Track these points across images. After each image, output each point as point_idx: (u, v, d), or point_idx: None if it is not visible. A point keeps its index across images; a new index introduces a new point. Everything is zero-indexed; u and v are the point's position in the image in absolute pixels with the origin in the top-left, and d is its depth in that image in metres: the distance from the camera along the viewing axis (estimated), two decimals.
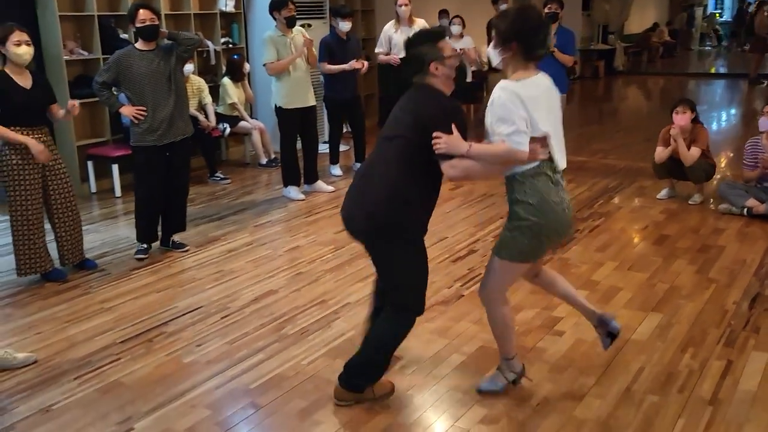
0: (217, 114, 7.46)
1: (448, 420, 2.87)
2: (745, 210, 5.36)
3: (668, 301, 3.94)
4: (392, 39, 6.98)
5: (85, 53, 6.54)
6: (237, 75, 7.39)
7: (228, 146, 8.09)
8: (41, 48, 6.25)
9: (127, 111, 4.61)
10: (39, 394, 3.12)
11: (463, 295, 4.09)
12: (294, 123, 6.08)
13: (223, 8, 7.72)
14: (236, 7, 7.89)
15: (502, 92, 2.68)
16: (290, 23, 5.91)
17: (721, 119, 10.63)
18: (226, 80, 7.42)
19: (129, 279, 4.47)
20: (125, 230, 5.38)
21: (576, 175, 6.77)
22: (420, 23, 6.88)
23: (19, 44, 4.11)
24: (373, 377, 2.97)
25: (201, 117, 6.86)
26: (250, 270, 4.57)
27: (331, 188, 6.50)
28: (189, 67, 6.77)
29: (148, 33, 4.54)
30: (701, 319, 3.71)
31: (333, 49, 6.62)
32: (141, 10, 4.51)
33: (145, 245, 4.89)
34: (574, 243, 4.92)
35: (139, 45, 4.59)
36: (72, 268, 4.60)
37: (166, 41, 4.69)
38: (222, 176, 7.05)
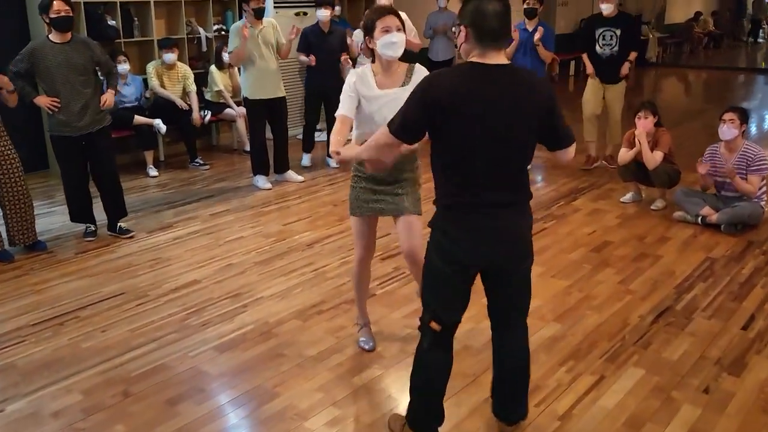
0: (205, 100, 7.67)
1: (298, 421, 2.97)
2: (699, 218, 5.25)
3: (574, 311, 3.93)
4: None
5: None
6: (223, 62, 7.54)
7: (219, 132, 8.28)
8: (30, 35, 6.51)
9: (42, 101, 4.76)
10: None
11: (375, 294, 4.15)
12: (260, 113, 6.21)
13: None
14: None
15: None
16: (258, 14, 5.98)
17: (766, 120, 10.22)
18: (213, 68, 7.58)
19: (70, 262, 4.69)
20: None
21: (551, 173, 6.71)
22: (402, 16, 6.86)
23: None
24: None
25: (179, 102, 7.02)
26: (186, 258, 4.74)
27: (300, 178, 6.61)
28: (171, 56, 6.95)
29: (62, 24, 4.65)
30: (598, 332, 3.69)
31: (310, 40, 6.70)
32: (55, 2, 4.60)
33: (91, 227, 5.11)
34: None
35: (53, 37, 4.71)
36: (23, 249, 4.84)
37: (81, 36, 4.90)
38: (201, 162, 7.24)
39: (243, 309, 3.99)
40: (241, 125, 7.67)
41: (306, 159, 7.13)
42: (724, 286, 4.25)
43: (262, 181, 6.37)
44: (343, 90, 3.15)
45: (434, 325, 2.57)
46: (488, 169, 2.37)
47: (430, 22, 8.60)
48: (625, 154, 5.68)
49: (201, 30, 7.86)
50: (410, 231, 3.22)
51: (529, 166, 2.51)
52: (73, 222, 5.15)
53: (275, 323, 3.81)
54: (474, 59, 2.36)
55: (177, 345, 3.58)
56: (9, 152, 4.63)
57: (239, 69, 6.62)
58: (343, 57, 6.75)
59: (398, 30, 3.05)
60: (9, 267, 4.61)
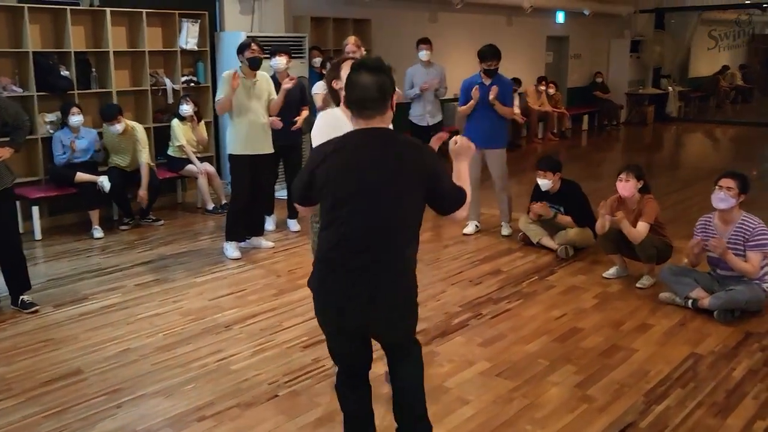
0: (167, 156, 7.20)
1: None
2: (690, 302, 4.47)
3: (511, 426, 3.17)
4: None
5: (20, 90, 6.36)
6: (185, 116, 7.07)
7: (186, 189, 7.76)
8: None
9: None
10: None
11: (276, 396, 3.46)
12: (245, 171, 5.53)
13: (184, 46, 7.44)
14: (200, 45, 7.59)
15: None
16: (252, 64, 5.43)
17: None
18: (175, 121, 7.12)
19: None
20: None
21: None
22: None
23: None
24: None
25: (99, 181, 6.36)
26: (82, 341, 4.11)
27: (270, 244, 5.97)
28: (117, 127, 6.40)
29: None
30: None
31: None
32: None
33: None
34: (463, 331, 4.20)
35: None
36: None
37: None
38: (154, 218, 6.71)
39: (114, 411, 3.32)
40: (204, 183, 7.14)
41: (269, 222, 6.49)
42: (707, 394, 3.45)
43: (231, 249, 5.66)
44: (312, 135, 3.21)
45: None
46: (355, 231, 2.38)
47: (411, 78, 7.65)
48: (601, 222, 4.96)
49: (168, 81, 7.42)
50: None
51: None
52: None
53: None
54: (353, 124, 2.47)
55: None
56: None
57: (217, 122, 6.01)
58: (302, 114, 6.19)
59: None
60: None
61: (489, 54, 5.82)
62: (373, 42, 9.37)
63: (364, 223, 2.36)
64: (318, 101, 6.59)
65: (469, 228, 6.34)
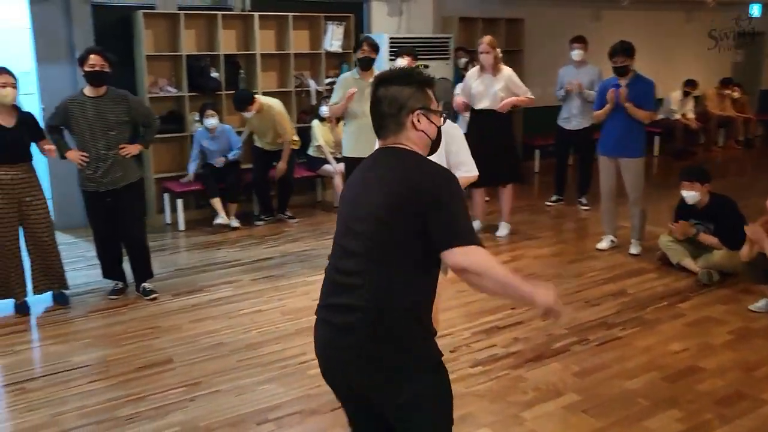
0: (307, 155, 7.39)
1: None
2: None
3: None
4: (472, 88, 6.19)
5: (174, 90, 6.85)
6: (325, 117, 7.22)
7: (325, 188, 7.93)
8: (136, 85, 6.69)
9: (72, 156, 4.62)
10: None
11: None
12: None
13: (328, 48, 7.59)
14: (345, 47, 7.70)
15: None
16: (362, 64, 5.46)
17: None
18: (315, 122, 7.28)
19: (71, 322, 4.48)
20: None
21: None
22: (507, 72, 6.03)
23: (4, 86, 4.34)
24: None
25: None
26: (183, 331, 4.30)
27: None
28: (248, 114, 6.63)
29: (94, 78, 4.50)
30: None
31: None
32: (91, 55, 4.49)
33: (119, 284, 4.92)
34: (561, 357, 3.84)
35: (87, 90, 4.58)
36: (50, 301, 4.74)
37: (119, 90, 4.68)
38: (290, 215, 6.93)
39: (186, 404, 3.42)
40: (339, 182, 7.23)
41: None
42: None
43: None
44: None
45: None
46: (337, 262, 2.05)
47: (561, 79, 7.26)
48: (746, 247, 4.31)
49: (312, 82, 7.62)
50: None
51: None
52: (105, 278, 4.97)
53: (202, 430, 3.19)
54: None
55: None
56: (39, 206, 4.55)
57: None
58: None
59: None
60: (15, 321, 4.50)
61: (616, 50, 5.30)
62: (525, 43, 9.00)
63: (342, 254, 2.04)
64: (457, 104, 6.45)
65: (604, 243, 5.84)
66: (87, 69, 4.53)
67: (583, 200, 7.29)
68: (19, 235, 4.56)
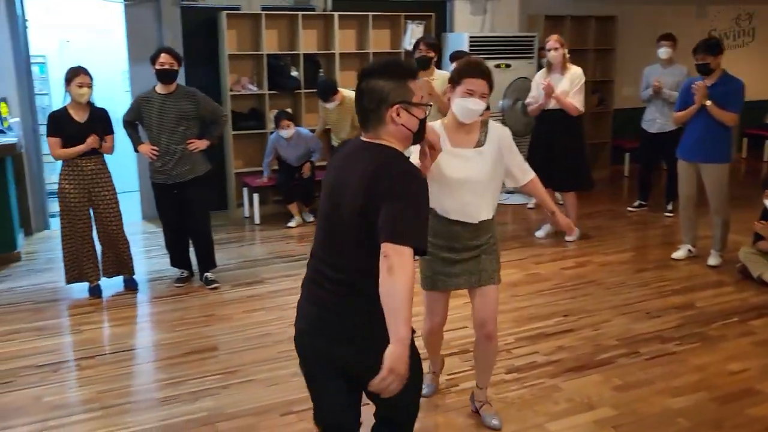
0: None
1: None
2: None
3: None
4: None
5: (255, 88, 7.08)
6: None
7: None
8: (219, 83, 6.99)
9: (144, 149, 4.88)
10: None
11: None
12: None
13: (407, 47, 7.58)
14: None
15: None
16: (420, 64, 5.39)
17: None
18: None
19: (135, 307, 4.74)
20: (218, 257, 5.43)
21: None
22: (575, 71, 5.82)
23: (80, 86, 4.64)
24: None
25: None
26: (235, 320, 4.45)
27: None
28: (332, 104, 6.68)
29: (164, 76, 4.74)
30: None
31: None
32: (162, 54, 4.74)
33: (185, 273, 5.15)
34: (604, 369, 3.67)
35: (158, 88, 4.82)
36: (122, 286, 5.04)
37: (188, 88, 4.92)
38: None
39: (218, 391, 3.54)
40: None
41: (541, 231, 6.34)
42: None
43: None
44: None
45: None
46: (320, 242, 2.19)
47: (647, 78, 6.91)
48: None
49: None
50: (486, 301, 3.00)
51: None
52: (172, 267, 5.22)
53: (227, 417, 3.29)
54: None
55: (115, 419, 3.28)
56: (108, 196, 4.83)
57: None
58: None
59: (482, 97, 2.83)
60: (87, 302, 4.81)
61: (698, 47, 4.98)
62: (617, 41, 8.63)
63: (325, 234, 2.18)
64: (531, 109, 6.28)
65: (680, 252, 5.51)
66: (157, 67, 4.78)
67: (669, 207, 6.91)
68: (91, 222, 4.87)
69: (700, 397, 3.39)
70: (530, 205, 7.19)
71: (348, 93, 6.20)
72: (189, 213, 4.97)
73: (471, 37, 7.57)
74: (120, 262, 4.99)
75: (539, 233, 6.21)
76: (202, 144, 4.96)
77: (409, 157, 2.20)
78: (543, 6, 8.36)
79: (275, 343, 4.09)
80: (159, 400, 3.46)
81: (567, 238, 5.97)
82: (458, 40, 7.59)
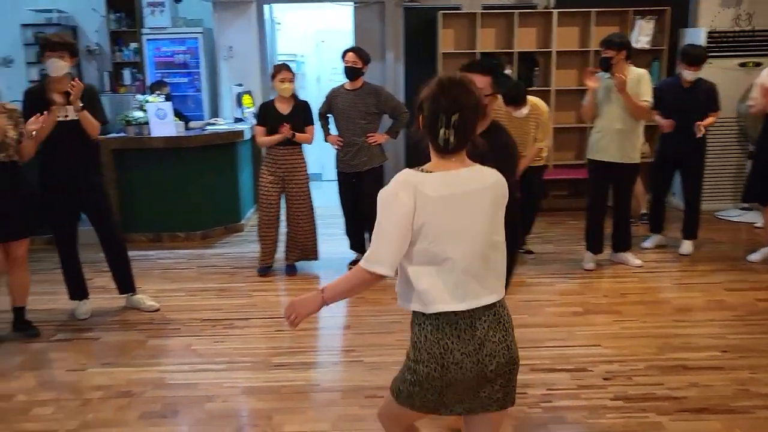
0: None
1: None
2: None
3: None
4: None
5: None
6: None
7: None
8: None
9: (331, 140, 5.36)
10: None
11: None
12: (596, 177, 5.27)
13: (634, 44, 7.01)
14: (656, 43, 7.09)
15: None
16: (601, 64, 5.10)
17: None
18: None
19: (307, 282, 5.21)
20: None
21: None
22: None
23: (283, 81, 5.22)
24: None
25: None
26: (387, 303, 4.63)
27: (638, 262, 5.42)
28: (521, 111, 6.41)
29: (348, 73, 5.14)
30: None
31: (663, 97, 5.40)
32: (348, 54, 5.12)
33: (360, 256, 5.49)
34: (731, 418, 3.16)
35: (346, 84, 5.24)
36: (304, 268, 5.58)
37: (373, 85, 5.25)
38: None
39: (329, 366, 3.83)
40: (637, 187, 6.30)
41: (650, 240, 5.83)
42: None
43: (587, 259, 5.43)
44: None
45: None
46: None
47: None
48: None
49: None
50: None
51: None
52: (351, 250, 5.62)
53: (321, 390, 3.53)
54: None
55: (230, 373, 3.73)
56: (301, 182, 5.25)
57: None
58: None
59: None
60: (275, 279, 5.41)
61: None
62: None
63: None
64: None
65: None
66: (345, 65, 5.19)
67: None
68: (279, 210, 5.39)
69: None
70: (758, 225, 6.27)
71: (535, 100, 5.47)
72: (363, 200, 5.31)
73: (709, 32, 6.79)
74: (305, 248, 5.44)
75: (754, 257, 5.42)
76: (381, 138, 5.26)
77: None
78: None
79: (401, 332, 4.21)
80: (273, 365, 3.82)
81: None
82: (693, 36, 6.87)
